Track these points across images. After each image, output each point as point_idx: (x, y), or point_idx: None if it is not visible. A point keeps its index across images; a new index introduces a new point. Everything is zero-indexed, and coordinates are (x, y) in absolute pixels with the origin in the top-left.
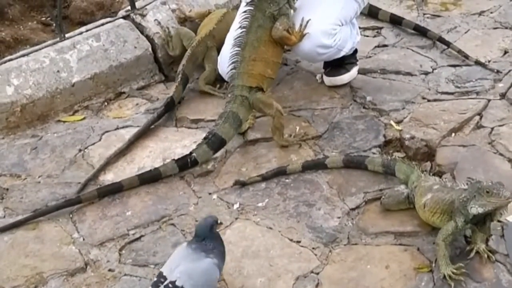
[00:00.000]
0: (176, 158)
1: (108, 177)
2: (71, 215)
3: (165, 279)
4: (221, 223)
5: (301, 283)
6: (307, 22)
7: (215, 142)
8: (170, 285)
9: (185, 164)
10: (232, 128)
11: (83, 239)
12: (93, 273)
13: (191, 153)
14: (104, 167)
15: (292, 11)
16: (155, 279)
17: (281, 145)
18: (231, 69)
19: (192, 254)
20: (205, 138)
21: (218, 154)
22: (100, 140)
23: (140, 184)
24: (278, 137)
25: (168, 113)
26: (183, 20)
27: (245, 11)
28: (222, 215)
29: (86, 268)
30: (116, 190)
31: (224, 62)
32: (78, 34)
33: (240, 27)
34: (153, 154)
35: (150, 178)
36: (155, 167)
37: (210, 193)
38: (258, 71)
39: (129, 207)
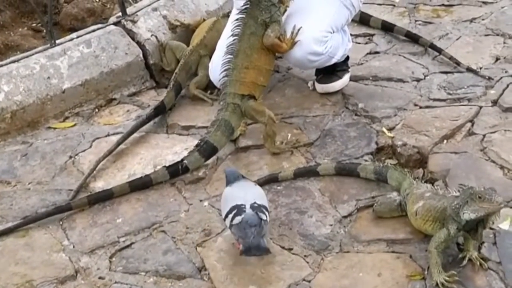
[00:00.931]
0: (167, 165)
1: (99, 184)
2: (61, 222)
3: (244, 204)
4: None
5: None
6: (299, 29)
7: (206, 150)
8: (255, 204)
9: (176, 171)
10: (224, 136)
11: (73, 247)
12: (83, 281)
13: (182, 160)
14: (93, 171)
15: (283, 18)
16: (234, 211)
17: (272, 153)
18: (223, 77)
19: (245, 185)
20: (197, 146)
21: (210, 161)
22: (90, 147)
23: (131, 191)
24: (270, 144)
25: (158, 118)
26: (174, 27)
27: (237, 19)
28: (213, 223)
29: (76, 275)
30: (106, 197)
31: (215, 69)
32: (69, 41)
33: (232, 34)
34: (144, 161)
35: (141, 185)
36: (145, 174)
37: (201, 200)
38: (250, 79)
39: (119, 214)
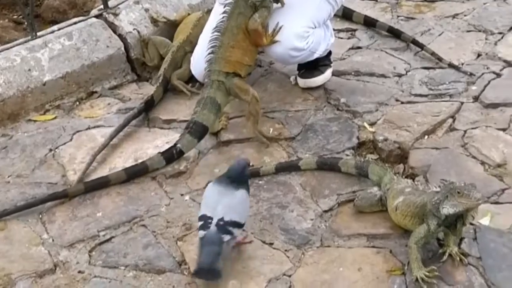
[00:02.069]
0: (161, 151)
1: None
2: (40, 216)
3: (211, 218)
4: (253, 165)
5: (273, 285)
6: (280, 28)
7: (197, 130)
8: (220, 222)
9: (171, 156)
10: (211, 113)
11: (53, 240)
12: (62, 275)
13: (175, 144)
14: (90, 166)
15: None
16: (201, 222)
17: (252, 132)
18: (209, 53)
19: (223, 189)
20: (186, 128)
21: (191, 154)
22: (71, 140)
23: (127, 178)
24: (252, 124)
25: (146, 112)
26: (155, 21)
27: None
28: (194, 217)
29: (55, 269)
30: (103, 184)
31: (197, 62)
32: (50, 33)
33: (223, 12)
34: (125, 155)
35: (137, 172)
36: (141, 161)
37: (182, 194)
38: (235, 58)
39: (99, 208)
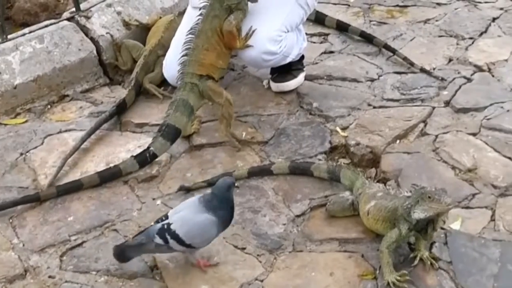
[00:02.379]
0: (134, 155)
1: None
2: (10, 220)
3: (167, 218)
4: (237, 187)
5: None
6: (253, 31)
7: (169, 133)
8: (165, 226)
9: (145, 159)
10: (183, 115)
11: (23, 245)
12: (33, 280)
13: (148, 148)
14: (61, 169)
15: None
16: (161, 216)
17: (224, 135)
18: (183, 56)
19: (196, 206)
20: (159, 131)
21: (163, 158)
22: (42, 143)
23: (100, 182)
24: (225, 127)
25: (118, 116)
26: (127, 24)
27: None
28: None
29: (26, 274)
30: (75, 188)
31: (170, 66)
32: (21, 36)
33: (200, 14)
34: (96, 159)
35: (110, 176)
36: (115, 165)
37: (154, 199)
38: (209, 61)
39: (71, 212)
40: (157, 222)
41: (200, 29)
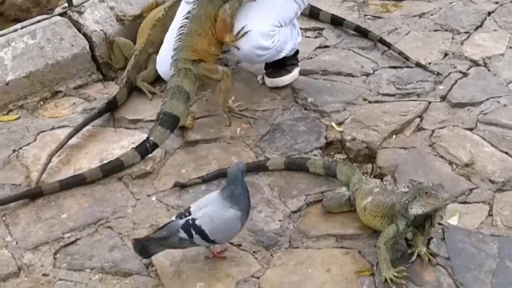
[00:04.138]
0: (135, 146)
1: (44, 179)
2: (3, 218)
3: (190, 214)
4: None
5: (241, 287)
6: (246, 32)
7: (167, 121)
8: (190, 221)
9: (145, 150)
10: (180, 102)
11: (16, 243)
12: (27, 278)
13: (148, 138)
14: (47, 166)
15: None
16: (182, 210)
17: (223, 110)
18: (176, 41)
19: (221, 201)
20: (157, 120)
21: (158, 154)
22: (35, 140)
23: (103, 175)
24: (223, 101)
25: (109, 113)
26: (121, 19)
27: None
28: (161, 218)
29: (19, 272)
30: (78, 182)
31: (163, 62)
32: (13, 31)
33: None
34: (90, 155)
35: (113, 168)
36: (116, 157)
37: (149, 195)
38: (202, 46)
39: (64, 209)
40: (179, 217)
41: (194, 14)
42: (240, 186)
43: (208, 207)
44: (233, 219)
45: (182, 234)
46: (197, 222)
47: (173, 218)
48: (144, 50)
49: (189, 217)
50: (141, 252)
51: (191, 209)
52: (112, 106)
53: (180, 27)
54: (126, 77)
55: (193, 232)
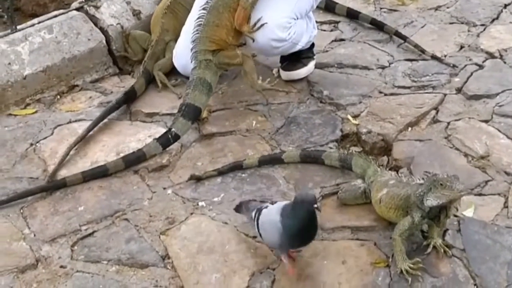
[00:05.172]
0: (157, 137)
1: (61, 172)
2: (21, 211)
3: (266, 207)
4: (318, 208)
5: (257, 279)
6: (262, 25)
7: (189, 112)
8: (258, 212)
9: (167, 140)
10: (202, 93)
11: (34, 235)
12: (44, 270)
13: (170, 129)
14: (66, 157)
15: None
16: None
17: (257, 90)
18: (194, 33)
19: (278, 208)
20: (179, 111)
21: (174, 147)
22: (52, 134)
23: (125, 167)
24: (252, 82)
25: (126, 105)
26: (138, 13)
27: None
28: (177, 211)
29: (37, 264)
30: (101, 173)
31: (180, 54)
32: (30, 26)
33: None
34: (107, 148)
35: (135, 159)
36: (138, 148)
37: (164, 188)
38: (220, 36)
39: (81, 202)
40: (272, 203)
41: (212, 5)
42: (295, 209)
43: (275, 205)
44: (271, 224)
45: (253, 214)
46: (263, 211)
47: (269, 202)
48: (160, 39)
49: (266, 205)
50: (236, 207)
51: (268, 203)
52: (130, 96)
53: (198, 18)
54: (144, 68)
55: (256, 216)
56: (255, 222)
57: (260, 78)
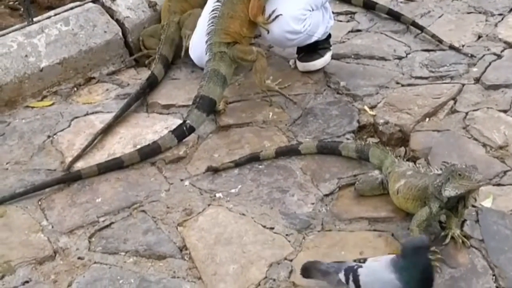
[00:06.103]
0: (172, 129)
1: (78, 164)
2: (39, 202)
3: (360, 266)
4: (437, 252)
5: (274, 270)
6: (276, 16)
7: (204, 104)
8: (355, 267)
9: (182, 133)
10: (217, 86)
11: (52, 227)
12: (62, 261)
13: (184, 121)
14: (92, 143)
15: None
16: (362, 258)
17: (261, 90)
18: (209, 25)
19: (389, 264)
20: (193, 103)
21: (191, 139)
22: (69, 126)
23: (140, 159)
24: (259, 81)
25: (151, 89)
26: (154, 5)
27: None
28: (194, 202)
29: (55, 256)
30: (116, 165)
31: (196, 46)
32: (47, 18)
33: None
34: (124, 140)
35: (150, 152)
36: (153, 141)
37: (182, 180)
38: (234, 28)
39: (99, 193)
40: (355, 261)
41: None
42: (410, 260)
43: (376, 262)
44: (386, 284)
45: (341, 276)
46: (359, 271)
47: (352, 260)
48: (170, 22)
49: (359, 264)
50: (302, 272)
51: (367, 261)
52: (152, 82)
53: (212, 10)
54: (159, 53)
55: (350, 278)
56: (351, 285)
57: (270, 78)
